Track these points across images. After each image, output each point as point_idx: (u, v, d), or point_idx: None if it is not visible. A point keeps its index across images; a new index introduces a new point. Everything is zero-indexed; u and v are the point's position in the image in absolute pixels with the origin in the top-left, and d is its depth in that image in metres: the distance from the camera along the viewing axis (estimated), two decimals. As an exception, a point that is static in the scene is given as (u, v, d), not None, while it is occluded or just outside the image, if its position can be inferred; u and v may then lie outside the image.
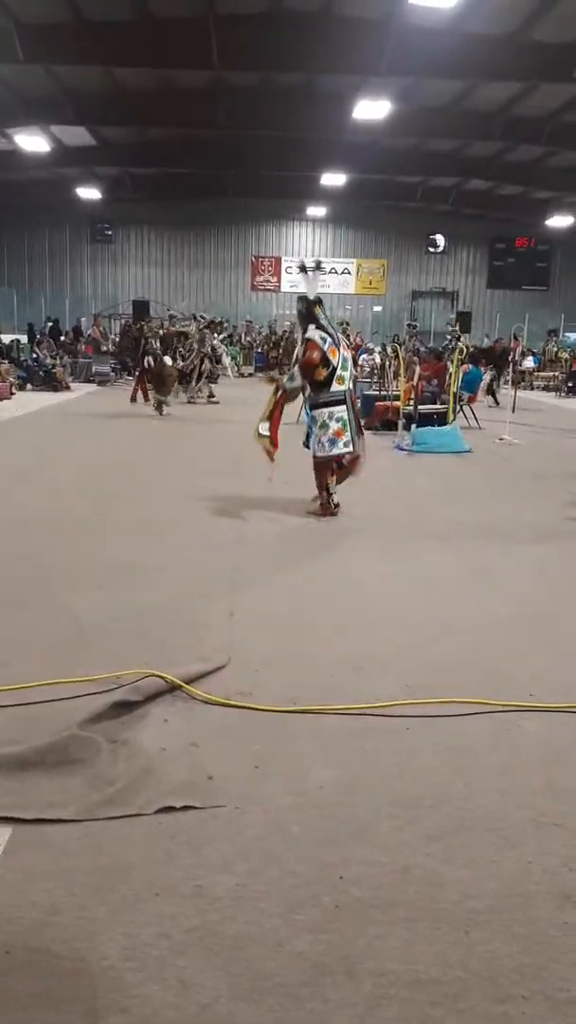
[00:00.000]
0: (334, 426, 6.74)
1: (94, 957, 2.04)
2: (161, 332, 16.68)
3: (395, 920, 2.21)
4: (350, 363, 7.14)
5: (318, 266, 7.23)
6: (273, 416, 6.93)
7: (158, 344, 16.34)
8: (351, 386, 7.04)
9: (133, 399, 16.04)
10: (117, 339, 15.98)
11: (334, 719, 3.30)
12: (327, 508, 6.95)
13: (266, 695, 3.45)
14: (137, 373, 15.74)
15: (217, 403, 16.56)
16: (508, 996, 1.97)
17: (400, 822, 2.64)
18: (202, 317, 18.47)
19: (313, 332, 6.71)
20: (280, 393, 6.93)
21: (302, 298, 7.01)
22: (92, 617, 4.34)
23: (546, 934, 2.18)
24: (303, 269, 7.20)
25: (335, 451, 6.81)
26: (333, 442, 6.77)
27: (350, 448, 6.82)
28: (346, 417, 6.77)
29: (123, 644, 3.95)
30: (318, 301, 6.92)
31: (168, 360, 15.44)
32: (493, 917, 2.23)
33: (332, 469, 7.01)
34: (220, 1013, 1.90)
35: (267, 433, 6.89)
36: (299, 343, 6.97)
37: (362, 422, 7.44)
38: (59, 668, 3.60)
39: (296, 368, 6.92)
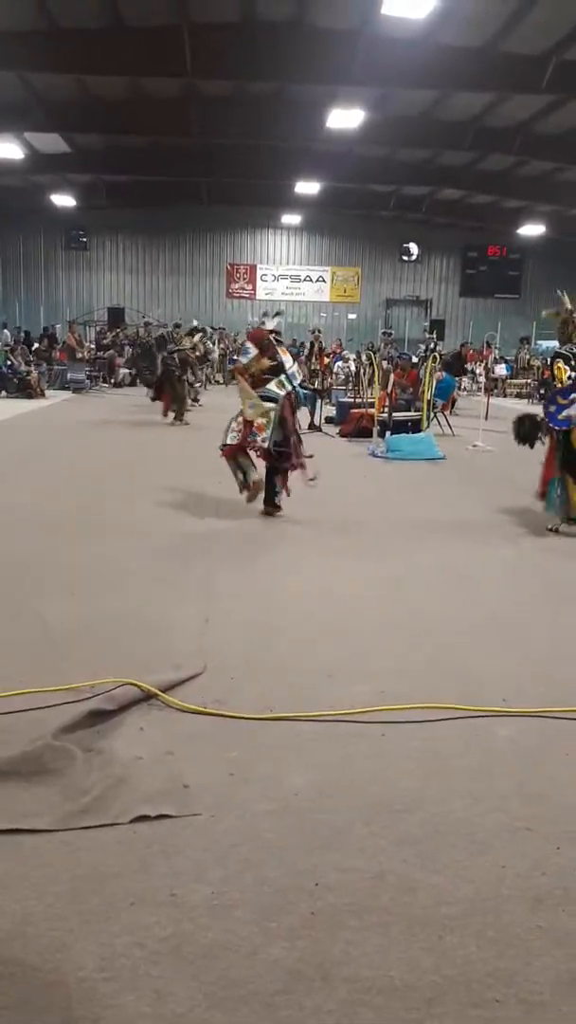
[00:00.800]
0: (259, 420, 6.92)
1: (69, 967, 2.03)
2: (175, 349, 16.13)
3: (369, 926, 2.22)
4: (296, 379, 7.36)
5: (279, 313, 8.16)
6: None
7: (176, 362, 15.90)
8: (291, 392, 7.16)
9: (165, 414, 14.96)
10: (131, 352, 15.36)
11: (309, 726, 3.31)
12: (248, 488, 7.06)
13: (241, 703, 3.45)
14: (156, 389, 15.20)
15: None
16: (482, 1000, 1.98)
17: (374, 828, 2.65)
18: (176, 326, 18.39)
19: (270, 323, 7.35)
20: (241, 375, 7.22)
21: (266, 313, 7.80)
22: (65, 624, 4.32)
23: (519, 938, 2.20)
24: (265, 315, 7.87)
25: (259, 441, 6.94)
26: (254, 434, 6.94)
27: (266, 445, 6.94)
28: (273, 416, 6.92)
29: (97, 651, 3.94)
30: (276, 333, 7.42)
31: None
32: (467, 922, 2.25)
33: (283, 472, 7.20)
34: (195, 1022, 1.90)
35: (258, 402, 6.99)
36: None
37: (301, 433, 7.74)
38: (32, 676, 3.58)
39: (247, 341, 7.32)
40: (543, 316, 7.30)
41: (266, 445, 6.96)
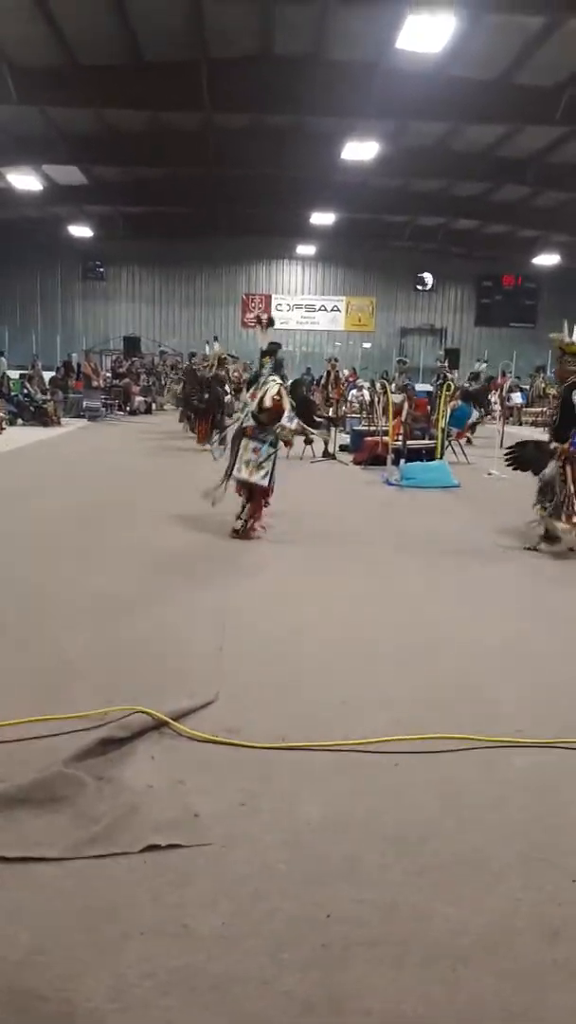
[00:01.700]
0: (266, 465, 7.28)
1: (79, 998, 2.02)
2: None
3: (382, 958, 2.19)
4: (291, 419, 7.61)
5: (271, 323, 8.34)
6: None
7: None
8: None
9: (201, 441, 14.97)
10: (182, 382, 15.39)
11: (322, 755, 3.29)
12: (244, 528, 7.33)
13: (253, 731, 3.43)
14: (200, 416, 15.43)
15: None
16: (496, 1035, 1.95)
17: (388, 859, 2.62)
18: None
19: (276, 381, 7.39)
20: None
21: (275, 344, 7.81)
22: (77, 652, 4.32)
23: (534, 971, 2.17)
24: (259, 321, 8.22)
25: (266, 482, 7.32)
26: (247, 466, 7.28)
27: (267, 482, 7.32)
28: (274, 459, 7.34)
29: (109, 679, 3.93)
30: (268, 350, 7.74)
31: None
32: (481, 954, 2.22)
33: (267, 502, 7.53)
34: (205, 1054, 1.88)
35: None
36: (269, 386, 7.38)
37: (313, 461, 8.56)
38: (44, 703, 3.58)
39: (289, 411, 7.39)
40: (550, 338, 7.39)
41: (265, 483, 7.29)
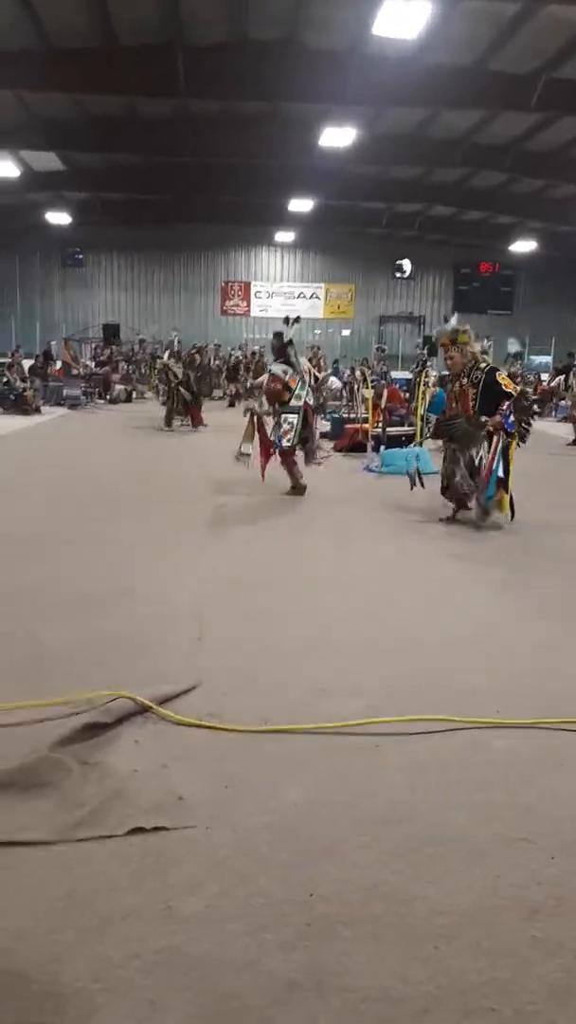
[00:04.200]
0: (285, 427, 8.78)
1: (64, 979, 2.03)
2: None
3: (364, 937, 2.22)
4: (307, 387, 9.22)
5: (297, 320, 9.53)
6: (260, 437, 8.93)
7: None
8: (309, 402, 9.19)
9: (196, 425, 16.08)
10: (182, 370, 16.06)
11: (303, 738, 3.32)
12: (298, 489, 8.88)
13: (235, 716, 3.45)
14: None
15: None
16: (477, 1009, 1.99)
17: (369, 839, 2.65)
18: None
19: (277, 367, 8.94)
20: (254, 417, 8.98)
21: (278, 335, 9.20)
22: (58, 643, 4.31)
23: (514, 948, 2.20)
24: (287, 321, 9.34)
25: (284, 444, 8.79)
26: (281, 438, 8.77)
27: (291, 444, 8.81)
28: (295, 422, 8.78)
29: (91, 669, 3.93)
30: (290, 342, 9.04)
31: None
32: (462, 932, 2.25)
33: (294, 460, 8.97)
34: (190, 1033, 1.90)
35: (249, 452, 8.92)
36: (267, 373, 9.10)
37: (317, 431, 9.78)
38: (26, 694, 3.57)
39: (263, 396, 9.05)
40: (437, 335, 8.19)
41: (291, 444, 8.83)
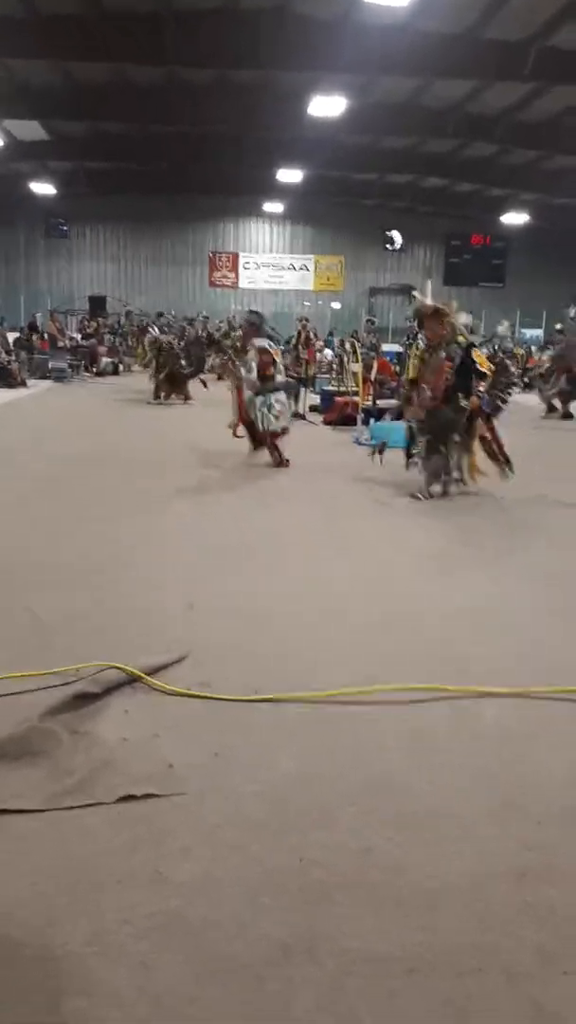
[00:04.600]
0: (278, 407, 8.87)
1: (56, 944, 2.04)
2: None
3: (356, 901, 2.24)
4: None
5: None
6: (239, 404, 8.97)
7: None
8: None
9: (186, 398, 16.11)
10: (183, 346, 16.12)
11: (295, 708, 3.33)
12: (281, 462, 8.99)
13: (226, 686, 3.46)
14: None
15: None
16: (466, 971, 2.01)
17: (361, 807, 2.67)
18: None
19: (262, 341, 9.20)
20: (239, 383, 9.05)
21: (254, 312, 9.85)
22: (50, 612, 4.31)
23: (504, 912, 2.22)
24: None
25: (280, 426, 8.97)
26: (277, 418, 8.89)
27: (287, 425, 9.08)
28: (285, 402, 9.07)
29: (82, 639, 3.92)
30: (263, 319, 9.80)
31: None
32: (452, 897, 2.27)
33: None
34: (183, 995, 1.91)
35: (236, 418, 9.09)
36: (252, 349, 9.16)
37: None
38: (17, 663, 3.57)
39: (254, 369, 8.98)
40: (413, 304, 8.39)
41: (286, 425, 9.11)
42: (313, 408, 14.68)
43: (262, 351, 9.06)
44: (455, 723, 3.26)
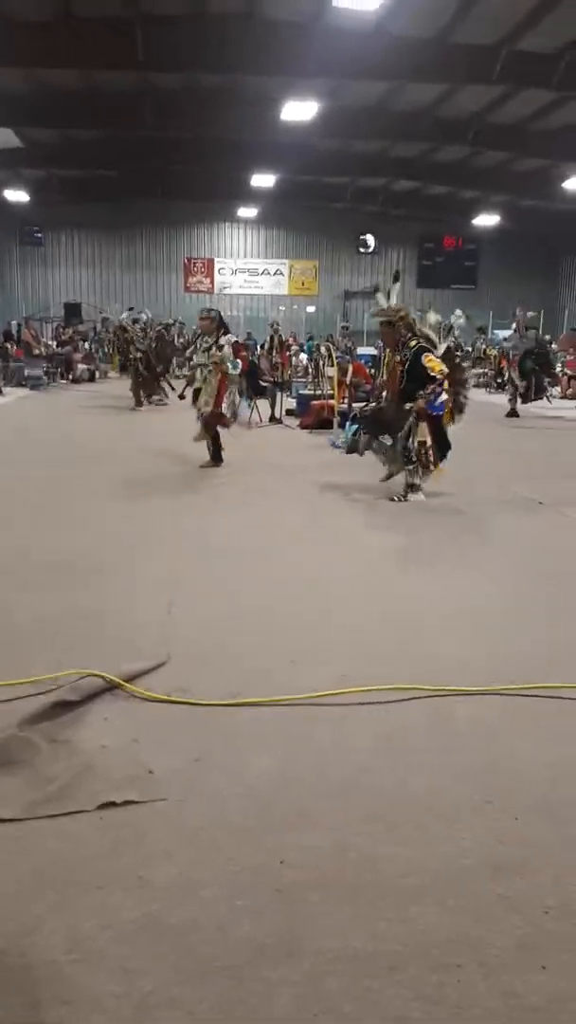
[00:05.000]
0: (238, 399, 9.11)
1: (36, 951, 2.05)
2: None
3: (334, 900, 2.26)
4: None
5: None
6: (219, 395, 8.78)
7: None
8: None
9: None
10: (153, 346, 16.19)
11: (272, 711, 3.35)
12: (215, 458, 9.07)
13: (205, 691, 3.47)
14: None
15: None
16: (443, 965, 2.04)
17: (338, 806, 2.69)
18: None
19: (230, 336, 9.03)
20: (222, 377, 8.75)
21: (214, 310, 9.28)
22: (27, 618, 4.31)
23: (480, 906, 2.25)
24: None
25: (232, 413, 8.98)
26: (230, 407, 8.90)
27: (228, 412, 8.96)
28: (235, 392, 9.05)
29: (60, 645, 3.93)
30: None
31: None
32: (429, 892, 2.30)
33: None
34: (164, 998, 1.93)
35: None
36: (224, 346, 8.82)
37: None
38: (-3, 671, 3.57)
39: (239, 365, 8.96)
40: (374, 309, 8.09)
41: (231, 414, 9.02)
42: (289, 412, 14.71)
43: (237, 345, 9.23)
44: (430, 721, 3.29)
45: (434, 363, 7.29)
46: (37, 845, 2.47)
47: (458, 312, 8.67)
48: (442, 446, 7.58)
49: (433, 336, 7.71)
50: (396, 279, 8.17)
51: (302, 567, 5.46)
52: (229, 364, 8.73)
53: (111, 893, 2.27)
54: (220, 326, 8.94)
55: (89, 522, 6.52)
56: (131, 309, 19.20)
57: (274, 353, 16.99)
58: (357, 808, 2.69)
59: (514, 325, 17.35)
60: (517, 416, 15.61)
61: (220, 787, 2.79)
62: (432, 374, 7.25)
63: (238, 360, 8.97)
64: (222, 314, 9.34)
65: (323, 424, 12.86)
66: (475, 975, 2.01)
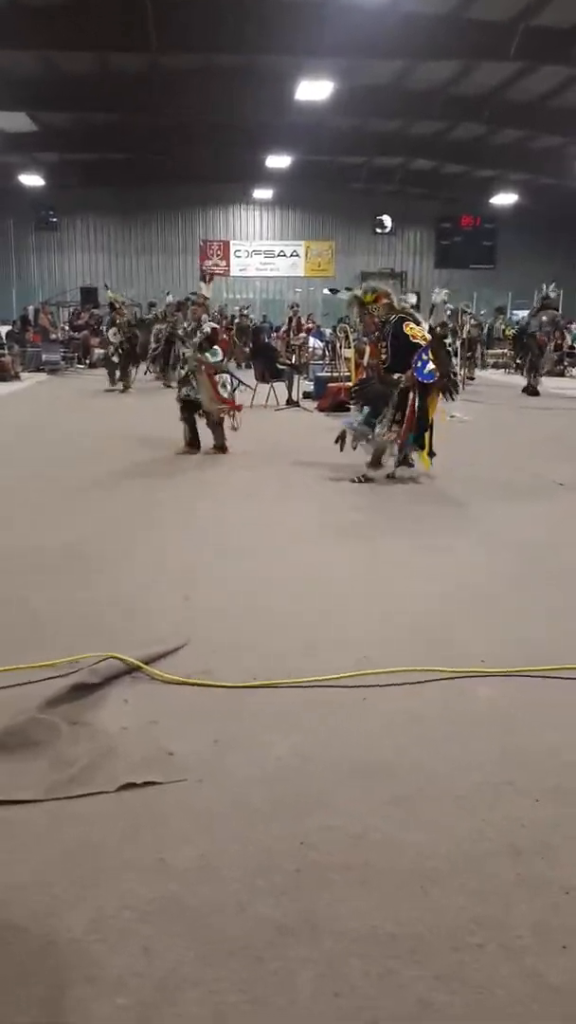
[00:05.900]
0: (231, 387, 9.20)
1: (59, 931, 2.07)
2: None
3: (354, 882, 2.27)
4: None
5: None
6: (214, 388, 8.83)
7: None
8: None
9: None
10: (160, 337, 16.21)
11: (291, 693, 3.35)
12: (221, 447, 9.00)
13: (224, 674, 3.49)
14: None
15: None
16: (464, 945, 2.04)
17: (357, 789, 2.70)
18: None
19: (212, 324, 9.29)
20: (208, 370, 8.84)
21: (199, 295, 10.00)
22: (46, 604, 4.33)
23: (500, 887, 2.26)
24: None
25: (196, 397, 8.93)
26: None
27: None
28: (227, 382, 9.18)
29: (79, 631, 3.94)
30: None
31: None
32: (449, 875, 2.30)
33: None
34: (185, 977, 1.94)
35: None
36: (204, 330, 9.05)
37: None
38: (15, 657, 3.59)
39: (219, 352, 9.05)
40: (351, 298, 8.13)
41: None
42: (306, 395, 14.67)
43: (218, 331, 9.42)
44: (449, 703, 3.29)
45: (415, 330, 7.39)
46: (58, 827, 2.49)
47: (437, 290, 8.64)
48: (421, 424, 7.53)
49: (417, 316, 7.84)
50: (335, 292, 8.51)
51: (318, 554, 5.45)
52: (208, 355, 8.91)
53: (132, 875, 2.29)
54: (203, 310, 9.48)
55: (104, 510, 6.52)
56: (167, 293, 19.11)
57: (291, 335, 16.91)
58: (377, 790, 2.69)
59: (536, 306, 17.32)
60: (537, 394, 15.52)
61: (239, 768, 2.80)
62: (415, 341, 7.30)
63: (216, 348, 9.07)
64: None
65: (339, 406, 12.80)
66: (497, 956, 2.01)
